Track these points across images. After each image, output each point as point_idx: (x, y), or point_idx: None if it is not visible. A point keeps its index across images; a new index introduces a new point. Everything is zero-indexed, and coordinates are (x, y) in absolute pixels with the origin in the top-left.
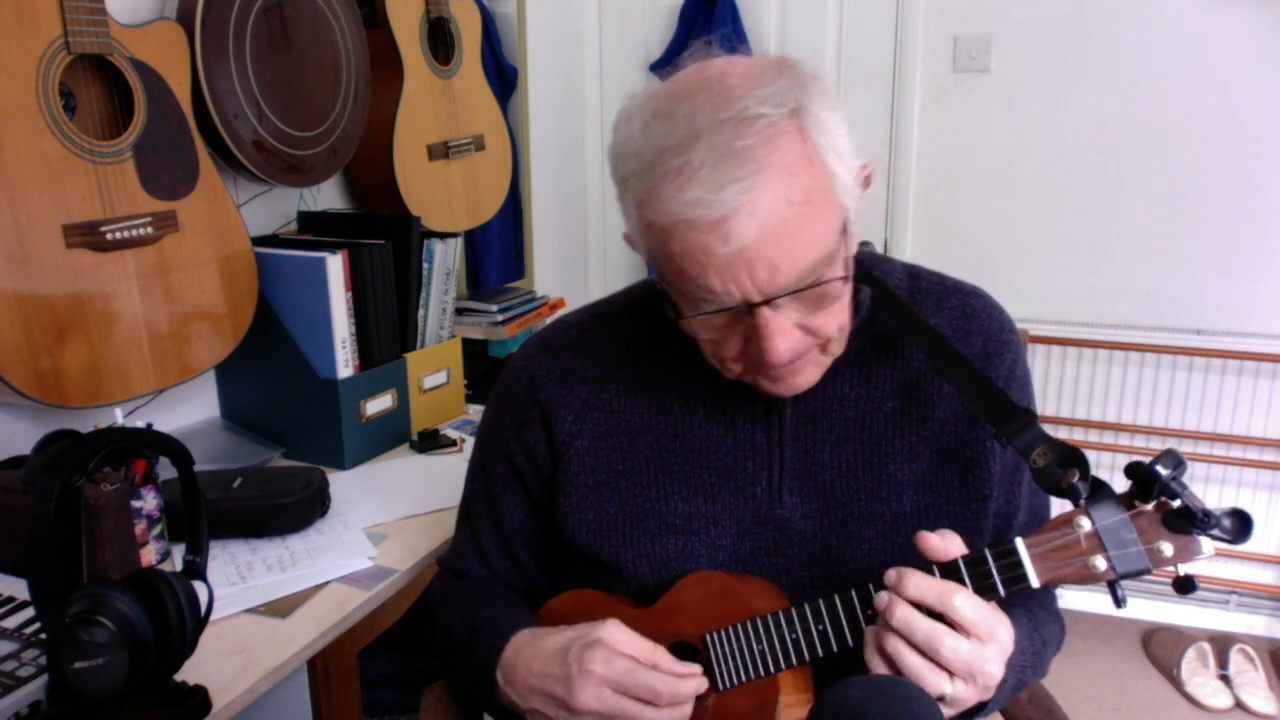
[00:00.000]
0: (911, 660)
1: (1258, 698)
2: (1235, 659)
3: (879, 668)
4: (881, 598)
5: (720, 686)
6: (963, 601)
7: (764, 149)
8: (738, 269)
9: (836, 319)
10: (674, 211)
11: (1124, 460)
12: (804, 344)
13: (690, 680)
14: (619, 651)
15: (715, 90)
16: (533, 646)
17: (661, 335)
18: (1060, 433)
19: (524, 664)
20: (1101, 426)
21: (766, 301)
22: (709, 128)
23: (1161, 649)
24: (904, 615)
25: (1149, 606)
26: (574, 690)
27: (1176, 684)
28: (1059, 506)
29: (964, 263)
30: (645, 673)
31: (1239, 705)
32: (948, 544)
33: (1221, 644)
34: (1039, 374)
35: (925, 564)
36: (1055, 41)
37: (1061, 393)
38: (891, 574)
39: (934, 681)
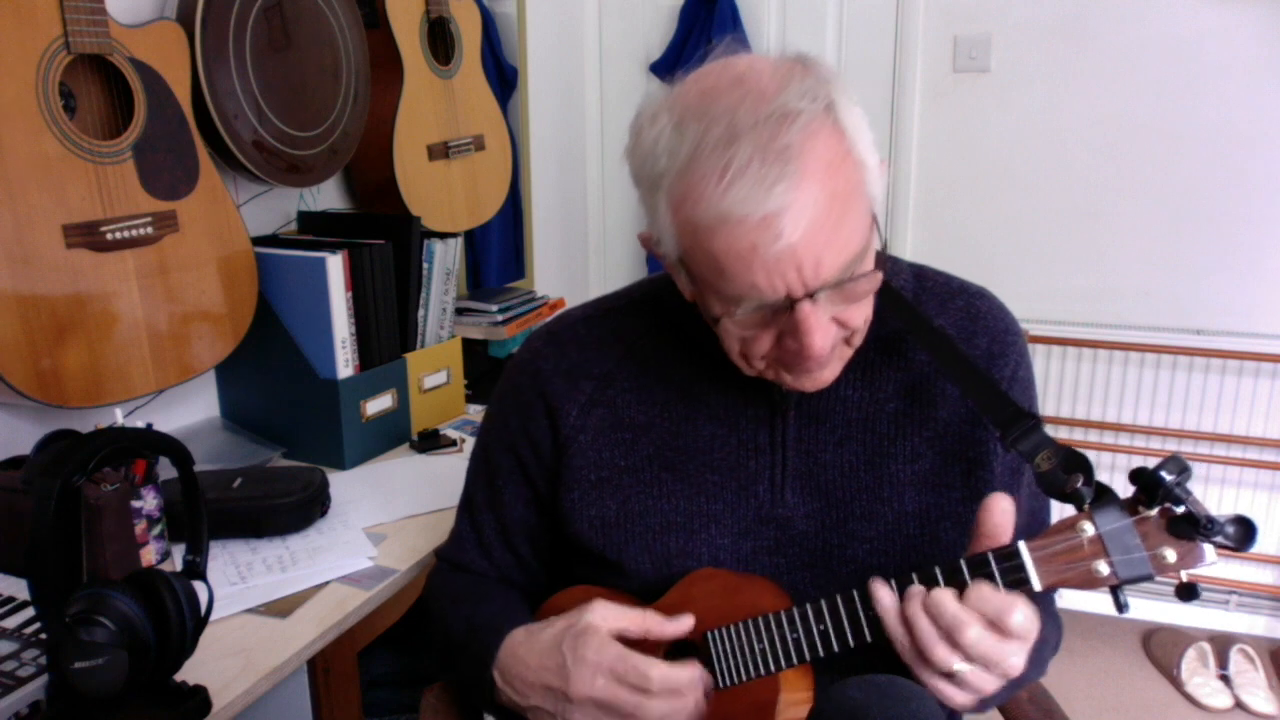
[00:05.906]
0: (925, 627)
1: (1258, 698)
2: (1235, 659)
3: (898, 632)
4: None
5: (721, 684)
6: (1020, 617)
7: (807, 145)
8: (784, 265)
9: (864, 311)
10: (721, 209)
11: (1124, 460)
12: (836, 337)
13: (686, 669)
14: (610, 632)
15: (749, 87)
16: (528, 643)
17: (667, 333)
18: (1060, 433)
19: (520, 661)
20: (1101, 426)
21: (809, 295)
22: (750, 126)
23: (1161, 649)
24: (936, 595)
25: (1149, 607)
26: (570, 680)
27: (1176, 684)
28: (1059, 510)
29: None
30: (638, 659)
31: (1239, 705)
32: (1007, 518)
33: (1221, 644)
34: (1039, 374)
35: (924, 564)
36: (1055, 41)
37: (1061, 393)
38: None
39: (941, 655)
